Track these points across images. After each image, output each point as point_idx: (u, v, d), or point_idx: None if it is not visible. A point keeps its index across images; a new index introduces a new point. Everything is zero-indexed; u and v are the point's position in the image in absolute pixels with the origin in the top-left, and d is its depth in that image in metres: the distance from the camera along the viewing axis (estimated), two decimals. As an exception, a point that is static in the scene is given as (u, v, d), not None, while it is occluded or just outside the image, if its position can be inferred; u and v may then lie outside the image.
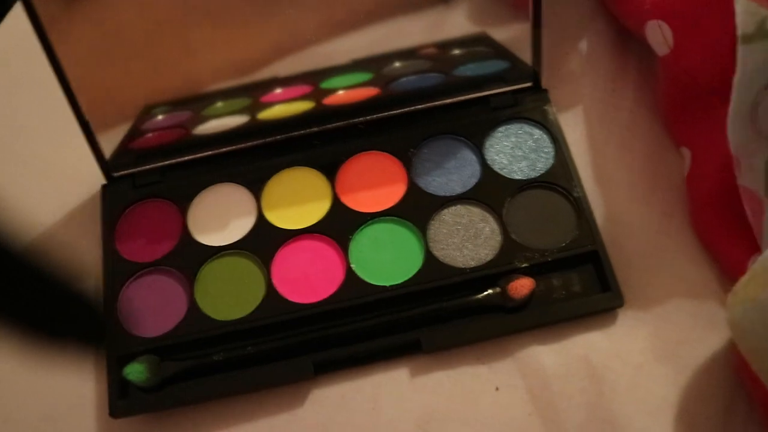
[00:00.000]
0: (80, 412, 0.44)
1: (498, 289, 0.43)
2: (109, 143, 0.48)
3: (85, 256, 0.48)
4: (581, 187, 0.46)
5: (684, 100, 0.46)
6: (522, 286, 0.43)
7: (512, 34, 0.53)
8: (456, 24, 0.56)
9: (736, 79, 0.39)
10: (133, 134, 0.51)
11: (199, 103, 0.54)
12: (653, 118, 0.50)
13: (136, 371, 0.42)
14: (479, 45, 0.54)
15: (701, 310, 0.44)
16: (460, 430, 0.42)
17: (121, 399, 0.43)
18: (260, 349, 0.43)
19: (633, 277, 0.45)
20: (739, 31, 0.38)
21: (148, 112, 0.54)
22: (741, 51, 0.39)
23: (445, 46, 0.54)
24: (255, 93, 0.53)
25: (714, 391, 0.42)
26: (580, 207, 0.46)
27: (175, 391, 0.43)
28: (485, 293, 0.43)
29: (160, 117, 0.54)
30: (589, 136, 0.50)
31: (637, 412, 0.41)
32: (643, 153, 0.49)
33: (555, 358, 0.43)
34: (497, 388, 0.43)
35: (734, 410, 0.41)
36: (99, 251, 0.47)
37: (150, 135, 0.51)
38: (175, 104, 0.54)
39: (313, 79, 0.52)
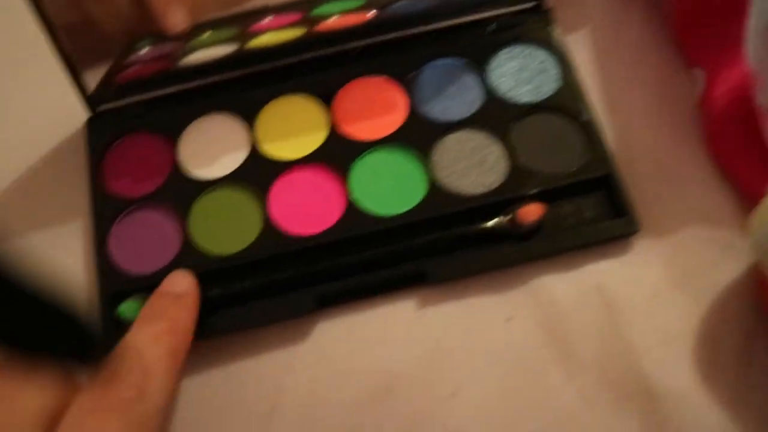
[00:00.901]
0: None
1: (506, 217, 0.41)
2: (92, 77, 0.45)
3: (72, 194, 0.45)
4: (590, 110, 0.44)
5: (698, 17, 0.44)
6: (531, 212, 0.41)
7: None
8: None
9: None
10: (117, 67, 0.49)
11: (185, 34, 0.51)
12: (663, 38, 0.48)
13: (130, 310, 0.40)
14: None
15: (717, 236, 0.42)
16: (471, 362, 0.40)
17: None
18: (259, 284, 0.41)
19: (645, 203, 0.43)
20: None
21: (132, 45, 0.51)
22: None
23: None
24: (244, 23, 0.50)
25: (733, 317, 0.40)
26: (590, 131, 0.44)
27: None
28: (493, 221, 0.41)
29: (145, 50, 0.51)
30: (597, 58, 0.47)
31: (654, 342, 0.40)
32: (654, 75, 0.47)
33: (568, 287, 0.41)
34: (508, 319, 0.41)
35: (754, 336, 0.40)
36: (86, 189, 0.45)
37: (134, 68, 0.49)
38: (160, 36, 0.52)
39: (304, 7, 0.50)
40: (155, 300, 0.34)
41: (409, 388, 0.40)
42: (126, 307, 0.40)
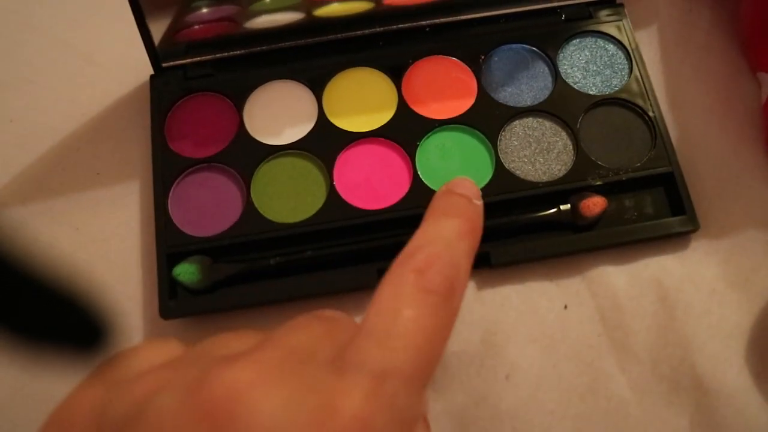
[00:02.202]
0: (127, 310, 0.42)
1: (569, 206, 0.42)
2: (155, 34, 0.45)
3: (132, 149, 0.45)
4: (657, 106, 0.44)
5: (766, 22, 0.44)
6: (594, 204, 0.41)
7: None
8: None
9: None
10: (177, 26, 0.48)
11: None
12: (729, 40, 0.48)
13: (186, 272, 0.40)
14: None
15: (775, 238, 0.43)
16: (526, 346, 0.40)
17: (171, 299, 0.40)
18: (321, 254, 0.41)
19: (706, 202, 0.43)
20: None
21: (188, 4, 0.51)
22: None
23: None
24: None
25: (786, 320, 0.41)
26: (655, 127, 0.44)
27: (228, 294, 0.41)
28: (557, 209, 0.42)
29: (203, 10, 0.51)
30: (664, 56, 0.48)
31: (709, 338, 0.40)
32: (719, 76, 0.47)
33: (626, 279, 0.42)
34: (566, 306, 0.41)
35: (807, 340, 0.40)
36: (147, 145, 0.44)
37: (196, 27, 0.48)
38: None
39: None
40: (449, 197, 0.30)
41: (462, 368, 0.40)
42: (182, 270, 0.40)
